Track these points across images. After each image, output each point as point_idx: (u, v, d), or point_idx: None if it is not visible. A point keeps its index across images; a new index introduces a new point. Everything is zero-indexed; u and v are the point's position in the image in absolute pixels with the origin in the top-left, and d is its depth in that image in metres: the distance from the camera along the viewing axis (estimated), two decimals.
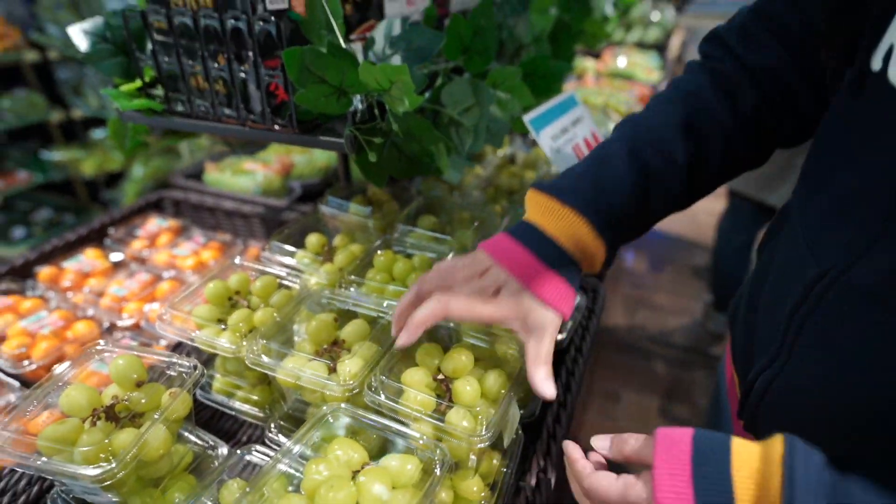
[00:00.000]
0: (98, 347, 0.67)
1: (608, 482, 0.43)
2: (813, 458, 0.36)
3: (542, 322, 0.54)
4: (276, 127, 0.79)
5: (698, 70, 0.63)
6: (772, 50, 0.58)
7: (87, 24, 0.87)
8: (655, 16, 3.59)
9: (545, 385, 0.52)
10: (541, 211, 0.58)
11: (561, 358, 0.85)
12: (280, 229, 0.93)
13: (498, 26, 1.10)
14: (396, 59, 0.75)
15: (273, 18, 0.72)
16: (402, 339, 0.55)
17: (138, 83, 0.89)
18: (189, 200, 1.44)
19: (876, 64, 0.42)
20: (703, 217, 3.63)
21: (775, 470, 0.36)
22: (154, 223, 1.35)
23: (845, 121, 0.48)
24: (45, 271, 1.15)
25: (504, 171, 1.39)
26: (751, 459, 0.38)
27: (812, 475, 0.35)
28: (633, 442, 0.45)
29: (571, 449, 0.48)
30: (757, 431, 0.54)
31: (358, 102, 0.75)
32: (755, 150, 0.63)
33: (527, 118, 0.92)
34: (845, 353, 0.43)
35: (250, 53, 0.75)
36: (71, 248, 1.25)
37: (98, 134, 3.07)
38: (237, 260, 0.84)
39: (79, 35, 0.87)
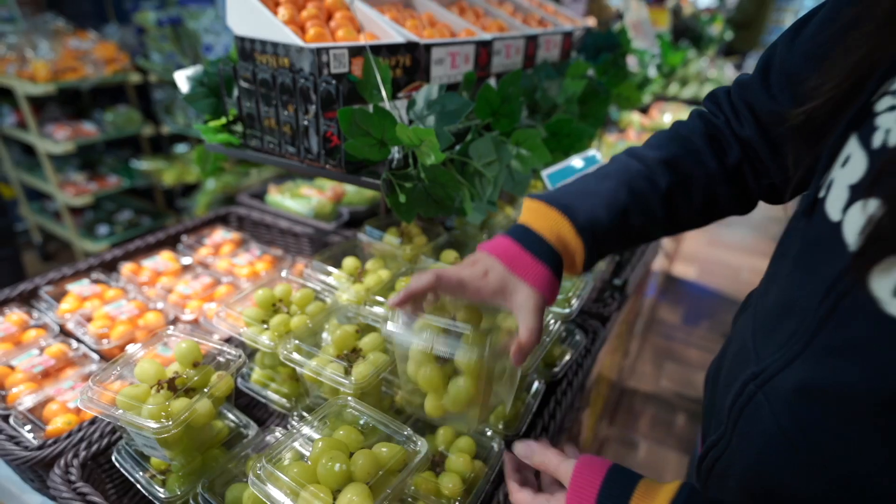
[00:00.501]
0: (168, 332, 0.83)
1: (526, 500, 0.52)
2: None
3: (526, 300, 0.58)
4: (328, 166, 0.95)
5: (696, 118, 0.70)
6: (750, 126, 0.64)
7: (190, 71, 1.08)
8: (712, 73, 3.64)
9: (517, 357, 0.57)
10: (530, 213, 0.65)
11: (552, 388, 0.94)
12: (323, 250, 1.08)
13: (534, 88, 1.24)
14: (431, 119, 0.90)
15: (334, 81, 0.89)
16: (393, 300, 0.62)
17: (223, 120, 1.08)
18: (251, 217, 1.64)
19: (822, 191, 0.46)
20: (746, 275, 3.58)
21: None
22: (220, 234, 1.55)
23: (795, 232, 0.51)
24: (127, 267, 1.36)
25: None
26: (649, 497, 0.46)
27: None
28: (554, 461, 0.52)
29: (508, 461, 0.57)
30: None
31: (395, 152, 0.90)
32: (736, 199, 0.69)
33: (545, 172, 1.05)
34: (770, 449, 0.46)
35: (313, 106, 0.92)
36: (150, 249, 1.46)
37: (181, 148, 3.42)
38: (284, 273, 0.99)
39: (182, 79, 1.07)
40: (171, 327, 0.85)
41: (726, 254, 3.90)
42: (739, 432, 0.50)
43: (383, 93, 0.89)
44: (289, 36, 0.92)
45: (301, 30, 1.00)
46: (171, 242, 1.51)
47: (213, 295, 1.30)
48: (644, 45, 1.86)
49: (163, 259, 1.41)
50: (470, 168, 0.98)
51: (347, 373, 0.77)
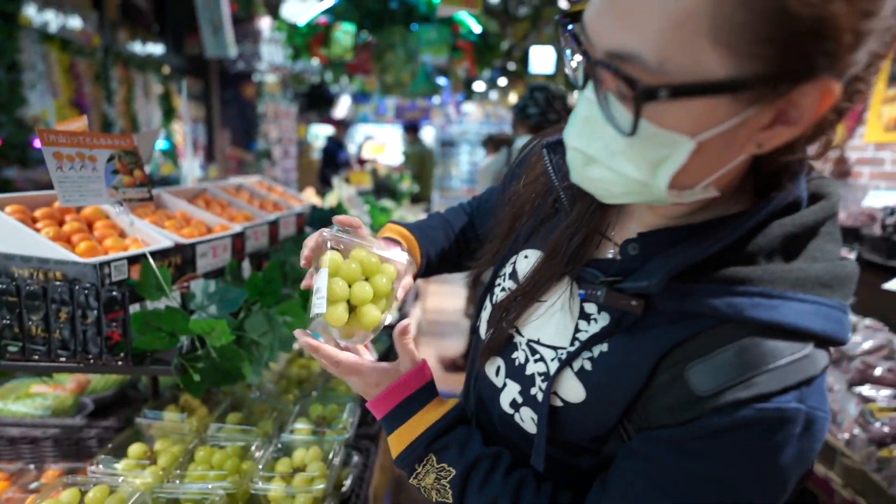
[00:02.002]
0: None
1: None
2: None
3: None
4: (114, 363, 1.04)
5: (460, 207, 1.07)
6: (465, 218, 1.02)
7: None
8: (409, 217, 4.59)
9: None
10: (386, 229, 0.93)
11: None
12: (103, 447, 1.10)
13: (283, 262, 1.55)
14: (213, 308, 1.11)
15: (116, 288, 1.03)
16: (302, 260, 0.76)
17: None
18: None
19: (477, 320, 0.83)
20: None
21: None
22: None
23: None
24: None
25: (294, 363, 1.73)
26: (441, 404, 0.70)
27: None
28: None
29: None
30: None
31: (184, 339, 1.06)
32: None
33: (308, 331, 1.33)
34: None
35: (94, 312, 1.02)
36: None
37: None
38: (67, 479, 0.99)
39: None
40: None
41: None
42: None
43: (167, 290, 1.06)
44: (62, 253, 1.03)
45: (68, 243, 1.10)
46: None
47: None
48: (358, 213, 2.39)
49: None
50: (247, 339, 1.19)
51: None
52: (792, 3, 0.38)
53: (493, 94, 8.29)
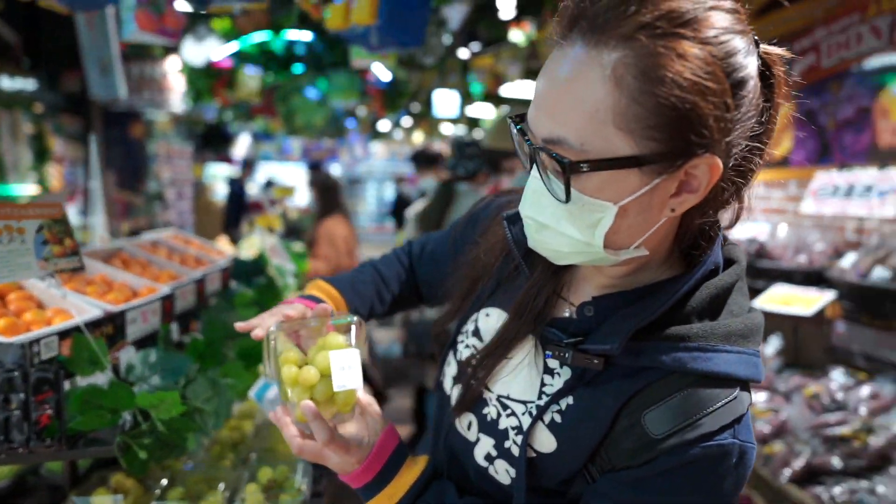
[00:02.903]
0: None
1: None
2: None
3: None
4: (43, 448, 0.95)
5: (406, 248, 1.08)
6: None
7: None
8: None
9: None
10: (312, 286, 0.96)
11: None
12: None
13: (211, 322, 1.50)
14: (157, 379, 1.06)
15: (48, 367, 0.96)
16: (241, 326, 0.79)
17: None
18: None
19: (442, 376, 0.89)
20: None
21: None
22: None
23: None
24: None
25: (224, 426, 1.66)
26: (415, 463, 0.74)
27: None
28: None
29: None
30: None
31: (126, 415, 1.01)
32: (414, 298, 1.07)
33: (251, 393, 1.30)
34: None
35: (20, 395, 0.94)
36: None
37: None
38: None
39: None
40: None
41: None
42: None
43: (104, 364, 1.00)
44: None
45: None
46: None
47: None
48: (280, 262, 2.36)
49: None
50: (191, 407, 1.15)
51: None
52: (666, 100, 0.51)
53: (398, 134, 8.51)
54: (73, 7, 1.81)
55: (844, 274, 2.07)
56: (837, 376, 2.12)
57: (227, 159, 9.18)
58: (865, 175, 2.22)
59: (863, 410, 1.94)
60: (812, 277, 2.25)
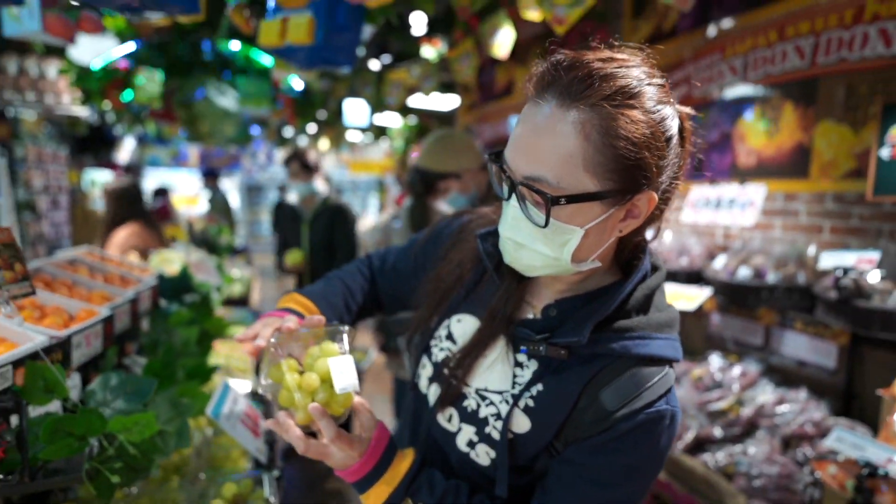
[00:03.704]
0: None
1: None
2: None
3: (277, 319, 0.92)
4: (6, 483, 0.91)
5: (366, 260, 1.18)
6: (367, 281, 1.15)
7: None
8: (235, 272, 4.34)
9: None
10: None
11: None
12: None
13: (155, 343, 1.47)
14: (120, 402, 1.05)
15: (4, 397, 0.92)
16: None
17: None
18: None
19: (417, 378, 0.99)
20: None
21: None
22: None
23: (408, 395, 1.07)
24: None
25: None
26: (404, 457, 0.83)
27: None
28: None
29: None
30: None
31: (94, 441, 0.99)
32: (376, 308, 1.16)
33: (208, 410, 1.30)
34: None
35: None
36: None
37: None
38: None
39: None
40: None
41: None
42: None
43: (65, 390, 0.98)
44: None
45: None
46: None
47: None
48: (206, 278, 2.28)
49: None
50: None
51: None
52: (622, 151, 0.68)
53: (303, 140, 8.33)
54: None
55: (717, 273, 2.45)
56: (715, 360, 2.51)
57: (109, 164, 8.36)
58: (729, 190, 2.65)
59: (735, 387, 2.32)
60: (693, 277, 2.63)
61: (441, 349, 0.94)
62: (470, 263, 0.95)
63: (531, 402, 0.81)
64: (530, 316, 0.88)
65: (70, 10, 1.68)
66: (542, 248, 0.74)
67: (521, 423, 0.82)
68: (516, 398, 0.82)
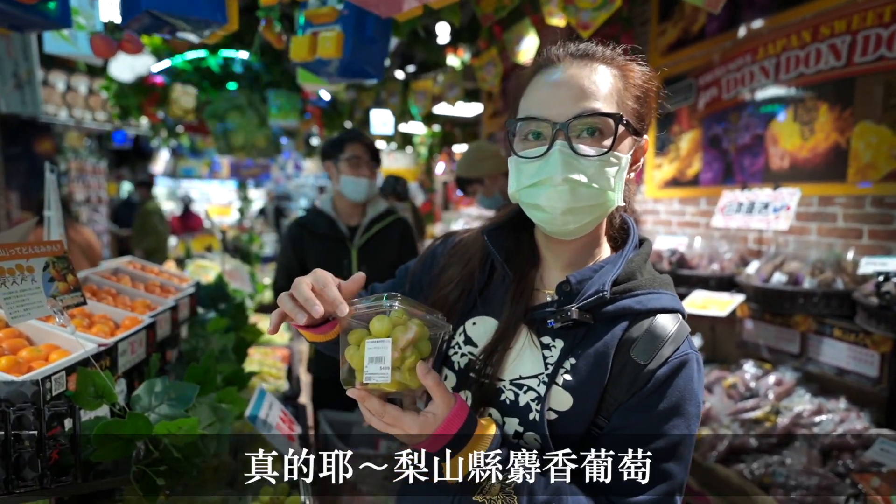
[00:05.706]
0: None
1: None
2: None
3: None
4: (54, 486, 0.96)
5: None
6: None
7: None
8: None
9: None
10: None
11: None
12: None
13: (194, 349, 1.52)
14: (165, 408, 1.09)
15: (59, 402, 0.97)
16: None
17: None
18: None
19: None
20: None
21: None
22: None
23: None
24: None
25: None
26: (489, 423, 0.80)
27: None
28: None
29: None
30: None
31: (140, 444, 1.04)
32: None
33: (246, 414, 1.35)
34: None
35: (32, 432, 0.95)
36: None
37: None
38: None
39: None
40: None
41: None
42: None
43: (113, 396, 1.03)
44: None
45: None
46: None
47: None
48: (240, 286, 2.35)
49: None
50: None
51: None
52: (638, 90, 0.81)
53: None
54: (20, 29, 1.76)
55: (750, 279, 2.40)
56: (749, 368, 2.45)
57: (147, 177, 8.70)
58: (762, 194, 2.60)
59: (770, 396, 2.26)
60: (724, 283, 2.58)
61: (462, 355, 0.95)
62: (474, 270, 0.96)
63: (568, 377, 0.82)
64: (547, 299, 0.89)
65: (115, 32, 1.77)
66: (598, 180, 0.78)
67: (563, 400, 0.82)
68: (552, 377, 0.83)
